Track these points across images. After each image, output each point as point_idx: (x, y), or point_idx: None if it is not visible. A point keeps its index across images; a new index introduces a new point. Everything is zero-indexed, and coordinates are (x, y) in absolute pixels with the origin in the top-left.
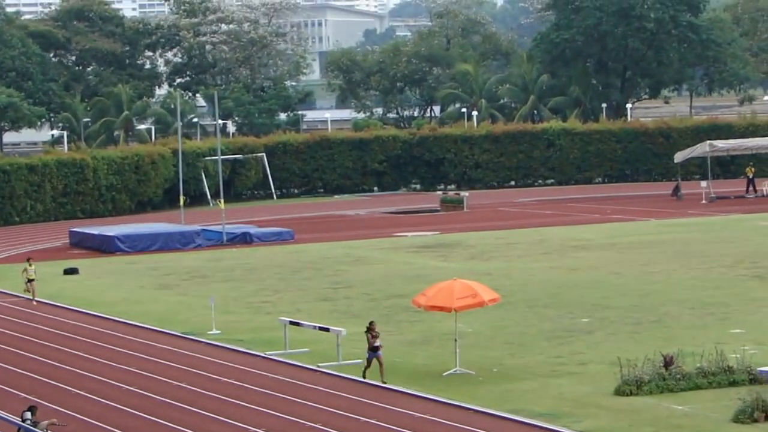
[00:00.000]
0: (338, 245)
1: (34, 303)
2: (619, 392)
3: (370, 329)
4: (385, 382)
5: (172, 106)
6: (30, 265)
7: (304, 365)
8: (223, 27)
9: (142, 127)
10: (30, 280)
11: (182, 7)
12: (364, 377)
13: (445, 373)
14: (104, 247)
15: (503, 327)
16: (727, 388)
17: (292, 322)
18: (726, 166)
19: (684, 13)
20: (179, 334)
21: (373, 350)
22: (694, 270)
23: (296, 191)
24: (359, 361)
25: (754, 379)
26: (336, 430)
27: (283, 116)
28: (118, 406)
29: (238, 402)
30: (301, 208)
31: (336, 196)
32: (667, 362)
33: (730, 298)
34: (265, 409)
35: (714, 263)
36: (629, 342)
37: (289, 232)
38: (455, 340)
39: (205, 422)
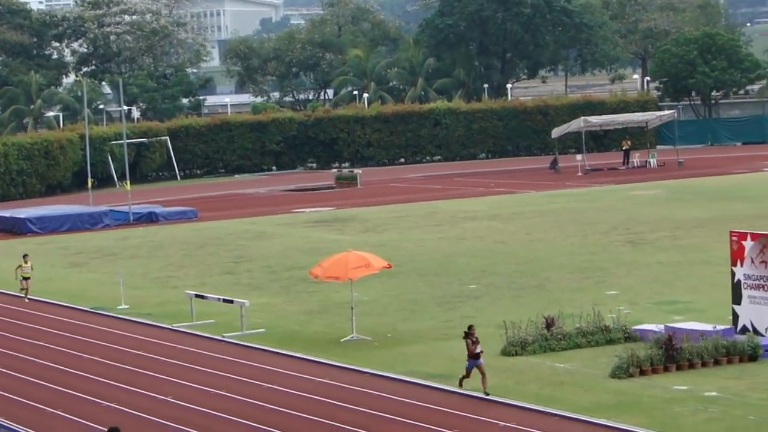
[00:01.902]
0: (240, 222)
1: (26, 300)
2: (505, 353)
3: (469, 334)
4: (488, 394)
5: (79, 94)
6: (26, 262)
7: (209, 336)
8: (126, 18)
9: (50, 114)
10: (25, 278)
11: (87, 0)
12: (460, 385)
13: (342, 339)
14: (16, 228)
15: (396, 295)
16: (604, 346)
17: (197, 295)
18: (599, 140)
19: None
20: (90, 310)
21: (474, 357)
22: (571, 237)
23: (199, 172)
24: (262, 330)
25: (629, 337)
26: (241, 396)
27: (185, 101)
28: (32, 379)
29: (147, 372)
30: (203, 188)
31: (237, 176)
32: (549, 324)
33: (605, 263)
34: (173, 378)
35: (590, 231)
36: (513, 306)
37: (193, 210)
38: (351, 309)
39: (116, 392)
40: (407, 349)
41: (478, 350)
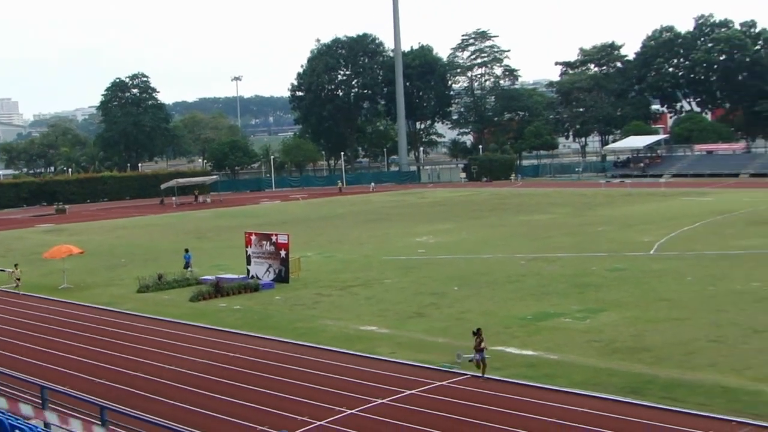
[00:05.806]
0: (8, 232)
1: (20, 294)
2: (139, 291)
3: (477, 334)
4: (485, 378)
5: None
6: (17, 268)
7: (9, 291)
8: None
9: None
10: (18, 279)
11: None
12: (470, 360)
13: (59, 287)
14: None
15: (86, 265)
16: (187, 287)
17: None
18: (184, 190)
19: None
20: None
21: (480, 351)
22: (170, 236)
23: None
24: (19, 284)
25: (199, 282)
26: (11, 316)
27: None
28: None
29: None
30: None
31: (5, 209)
32: (160, 276)
33: (188, 246)
34: None
35: (180, 232)
36: (144, 269)
37: None
38: (63, 272)
39: None
40: (91, 291)
41: (481, 346)
